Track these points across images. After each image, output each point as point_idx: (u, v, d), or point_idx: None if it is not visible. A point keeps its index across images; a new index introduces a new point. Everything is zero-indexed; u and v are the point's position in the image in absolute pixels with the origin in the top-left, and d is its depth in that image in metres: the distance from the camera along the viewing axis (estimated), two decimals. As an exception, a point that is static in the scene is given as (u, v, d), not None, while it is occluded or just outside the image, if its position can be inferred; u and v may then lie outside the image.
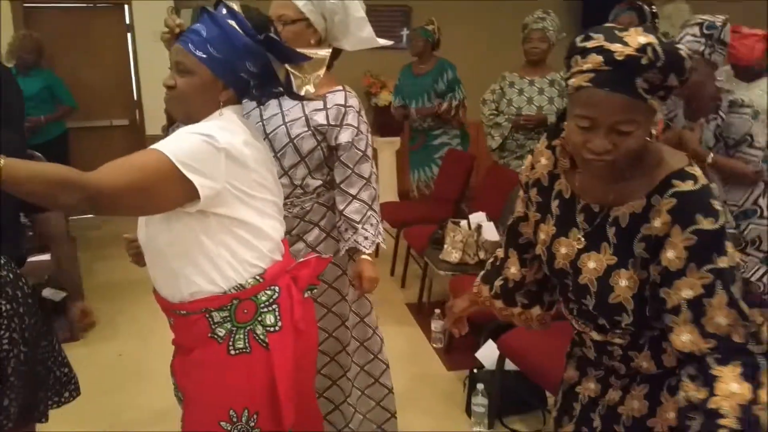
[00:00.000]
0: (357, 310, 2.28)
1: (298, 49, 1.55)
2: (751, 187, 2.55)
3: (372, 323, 2.34)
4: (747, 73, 3.42)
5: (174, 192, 1.34)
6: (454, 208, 4.43)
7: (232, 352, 1.45)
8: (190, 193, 1.34)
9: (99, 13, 6.04)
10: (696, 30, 2.46)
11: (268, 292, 1.49)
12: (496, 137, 3.85)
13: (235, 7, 1.49)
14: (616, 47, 1.11)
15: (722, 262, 1.13)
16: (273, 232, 1.53)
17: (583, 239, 1.30)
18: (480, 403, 2.66)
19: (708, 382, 1.13)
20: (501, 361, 2.63)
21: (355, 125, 2.06)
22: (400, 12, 6.25)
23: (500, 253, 1.60)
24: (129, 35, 5.99)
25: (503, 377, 2.67)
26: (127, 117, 6.21)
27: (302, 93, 1.59)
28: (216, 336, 1.45)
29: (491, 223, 3.37)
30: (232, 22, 1.45)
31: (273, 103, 2.01)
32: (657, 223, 1.17)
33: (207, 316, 1.45)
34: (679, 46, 1.15)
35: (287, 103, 2.02)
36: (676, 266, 1.15)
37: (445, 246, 3.45)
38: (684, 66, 1.13)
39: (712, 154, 2.52)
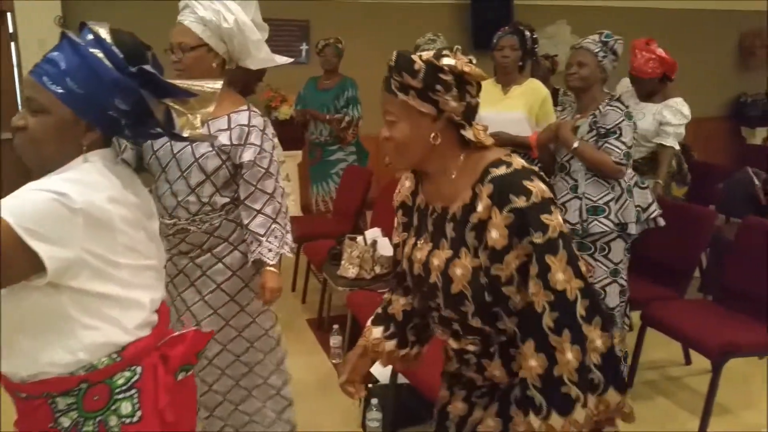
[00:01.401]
0: (261, 323, 2.32)
1: (188, 81, 1.40)
2: (609, 188, 2.77)
3: (275, 335, 2.38)
4: (642, 87, 3.73)
5: (14, 264, 1.11)
6: (354, 222, 4.48)
7: None
8: (36, 265, 1.12)
9: (-22, 21, 5.70)
10: (596, 36, 2.80)
11: (127, 374, 1.26)
12: (390, 154, 3.97)
13: (103, 32, 1.29)
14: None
15: (537, 238, 1.25)
16: (142, 302, 1.32)
17: (430, 241, 1.41)
18: (374, 417, 2.71)
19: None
20: (394, 375, 2.69)
21: (258, 144, 2.13)
22: (298, 27, 6.26)
23: (388, 295, 1.65)
24: (12, 45, 5.68)
25: (397, 391, 2.73)
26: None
27: (185, 134, 1.38)
28: (59, 426, 1.22)
29: (386, 239, 3.44)
30: (98, 51, 1.25)
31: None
32: (480, 208, 1.30)
33: (50, 402, 1.22)
34: (434, 58, 1.31)
35: None
36: (502, 244, 1.27)
37: (343, 262, 3.49)
38: (413, 67, 1.30)
39: (577, 142, 2.75)
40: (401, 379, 2.67)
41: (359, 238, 3.51)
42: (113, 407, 1.24)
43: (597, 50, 2.76)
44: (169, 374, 1.32)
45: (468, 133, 1.35)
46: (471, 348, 1.40)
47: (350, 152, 4.84)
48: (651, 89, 3.74)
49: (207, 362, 2.24)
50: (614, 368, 1.31)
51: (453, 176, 1.37)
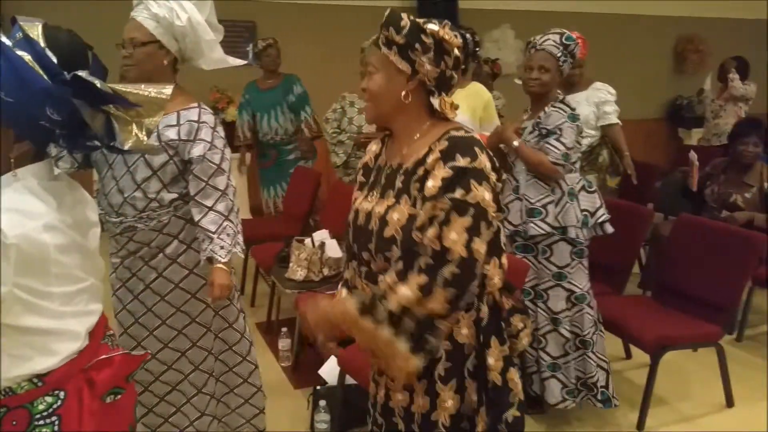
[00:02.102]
0: (225, 316, 2.35)
1: (134, 86, 1.28)
2: (548, 190, 2.72)
3: (240, 328, 2.42)
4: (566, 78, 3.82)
5: None
6: (303, 224, 4.47)
7: None
8: None
9: None
10: (557, 38, 2.68)
11: (49, 399, 1.20)
12: (340, 154, 3.98)
13: (34, 31, 1.17)
14: None
15: (457, 194, 1.35)
16: (77, 332, 1.26)
17: (379, 193, 1.52)
18: (322, 419, 2.71)
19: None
20: (342, 376, 2.70)
21: (208, 140, 2.12)
22: (244, 28, 6.21)
23: (345, 263, 1.71)
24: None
25: (346, 392, 2.73)
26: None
27: (127, 146, 1.26)
28: None
29: (334, 240, 3.44)
30: (27, 55, 1.13)
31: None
32: (430, 159, 1.41)
33: None
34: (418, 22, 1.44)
35: None
36: (432, 193, 1.37)
37: (291, 264, 3.47)
38: (400, 23, 1.41)
39: (517, 141, 2.72)
40: (349, 380, 2.68)
41: (307, 241, 3.50)
42: None
43: (559, 54, 2.68)
44: (95, 399, 1.26)
45: (436, 101, 1.46)
46: None
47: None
48: (573, 80, 3.87)
49: (179, 355, 2.25)
50: (424, 334, 1.36)
51: (415, 138, 1.49)
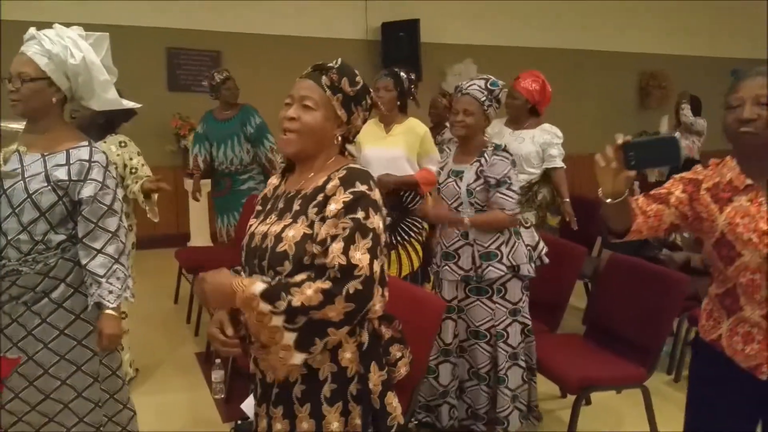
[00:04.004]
0: (108, 363, 2.26)
1: None
2: (498, 233, 2.80)
3: (122, 375, 2.34)
4: (514, 115, 3.87)
5: None
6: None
7: None
8: None
9: None
10: (482, 83, 2.76)
11: None
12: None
13: None
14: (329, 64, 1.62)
15: (360, 216, 1.48)
16: None
17: (276, 216, 1.61)
18: (238, 455, 2.68)
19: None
20: (259, 412, 2.68)
21: (100, 180, 2.07)
22: (209, 57, 6.27)
23: None
24: None
25: (264, 428, 2.71)
26: None
27: None
28: None
29: (270, 273, 3.44)
30: None
31: (14, 157, 1.98)
32: (330, 185, 1.53)
33: None
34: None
35: (28, 158, 2.00)
36: (333, 214, 1.49)
37: (228, 295, 3.46)
38: (355, 79, 1.60)
39: (467, 218, 2.78)
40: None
41: (244, 272, 3.50)
42: None
43: (483, 99, 2.75)
44: None
45: (352, 147, 1.60)
46: None
47: (260, 181, 4.81)
48: (521, 119, 3.92)
49: (62, 407, 2.16)
50: (313, 335, 1.47)
51: (314, 173, 1.60)
